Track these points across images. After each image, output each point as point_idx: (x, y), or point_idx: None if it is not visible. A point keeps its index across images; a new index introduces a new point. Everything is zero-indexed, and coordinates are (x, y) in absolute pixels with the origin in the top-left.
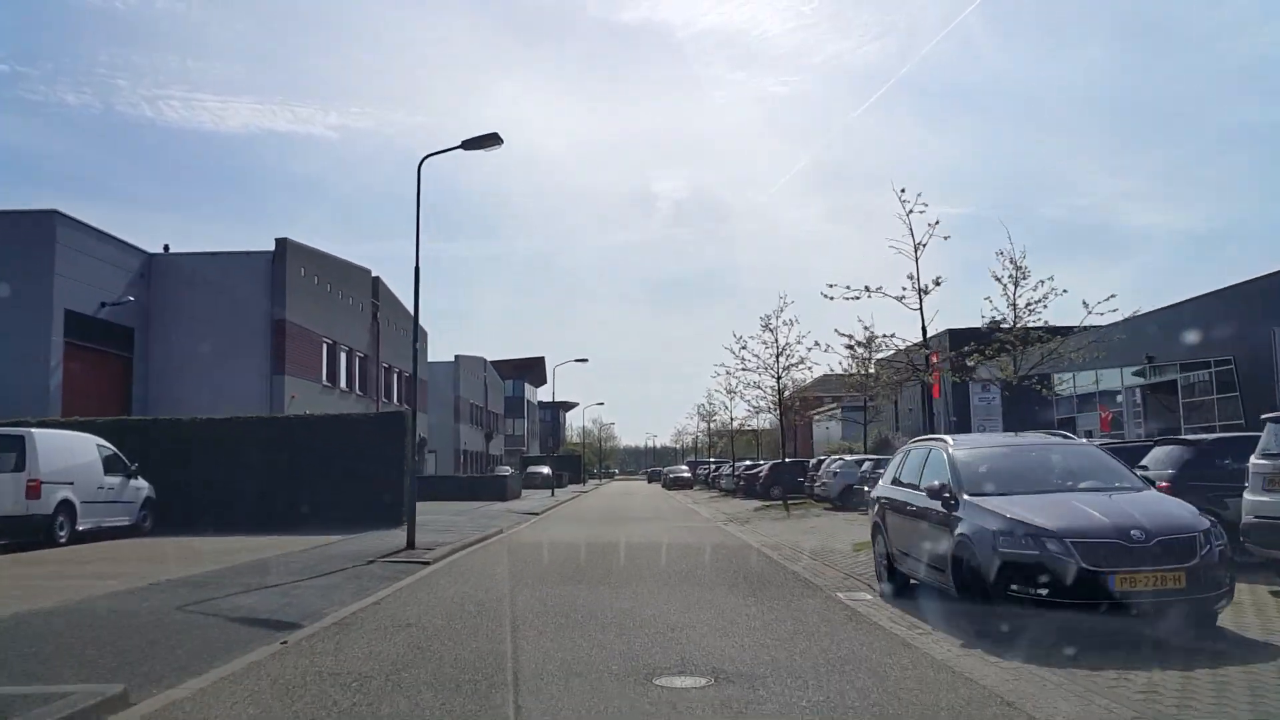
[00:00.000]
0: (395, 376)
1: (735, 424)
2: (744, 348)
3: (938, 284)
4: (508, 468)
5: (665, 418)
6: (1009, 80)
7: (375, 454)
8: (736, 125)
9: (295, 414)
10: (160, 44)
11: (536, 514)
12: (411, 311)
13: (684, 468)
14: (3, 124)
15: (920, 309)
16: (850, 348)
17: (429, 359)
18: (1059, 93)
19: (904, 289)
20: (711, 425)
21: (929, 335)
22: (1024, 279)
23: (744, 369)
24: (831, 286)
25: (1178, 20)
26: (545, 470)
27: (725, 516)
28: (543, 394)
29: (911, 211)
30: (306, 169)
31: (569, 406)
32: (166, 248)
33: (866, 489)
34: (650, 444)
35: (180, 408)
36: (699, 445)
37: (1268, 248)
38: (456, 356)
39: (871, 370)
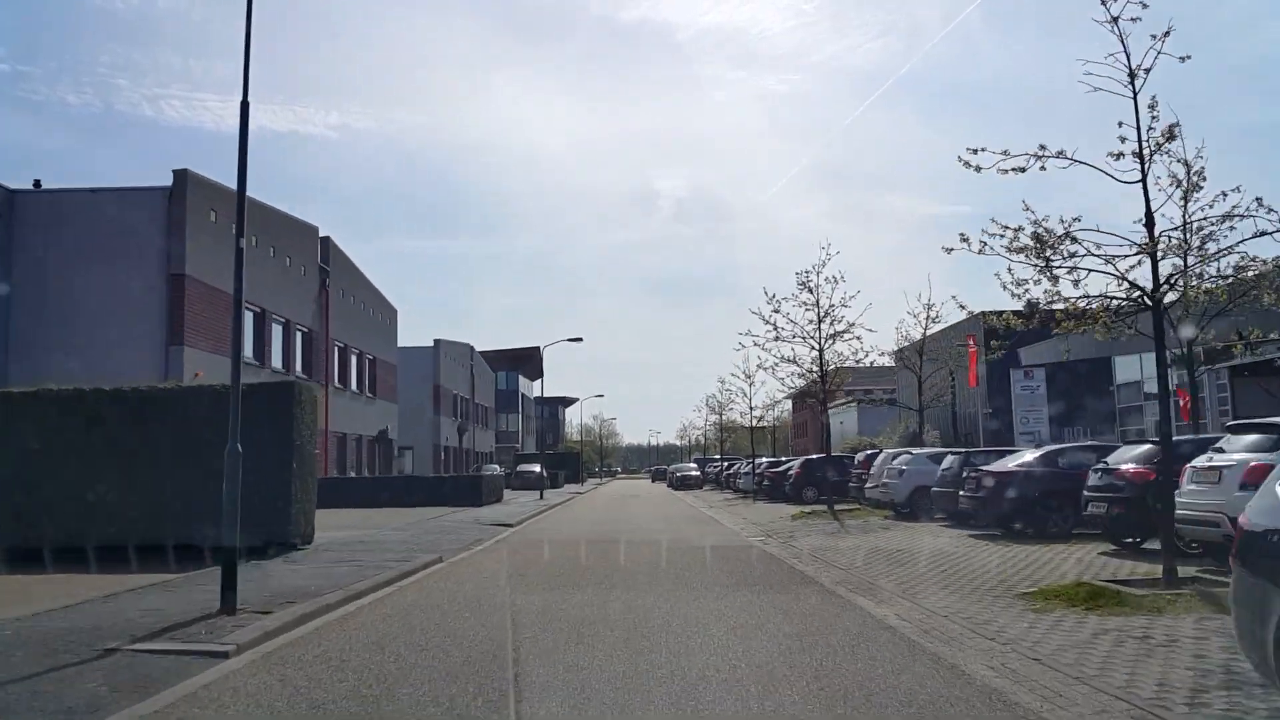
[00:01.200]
0: (356, 359)
1: (755, 413)
2: (777, 310)
3: (1171, 138)
4: (496, 466)
5: (668, 415)
6: (1009, 78)
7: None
8: (737, 124)
9: (133, 387)
10: (161, 43)
11: (510, 526)
12: (378, 288)
13: (691, 465)
14: (4, 122)
15: (1143, 180)
16: (1025, 246)
17: (399, 342)
18: (1059, 91)
19: (1115, 153)
20: (724, 417)
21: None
22: (1199, 189)
23: (777, 338)
24: (976, 153)
25: (1179, 20)
26: (536, 469)
27: (757, 528)
28: (542, 388)
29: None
30: (307, 168)
31: (568, 402)
32: (37, 183)
33: (963, 493)
34: (653, 441)
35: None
36: (708, 441)
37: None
38: (437, 341)
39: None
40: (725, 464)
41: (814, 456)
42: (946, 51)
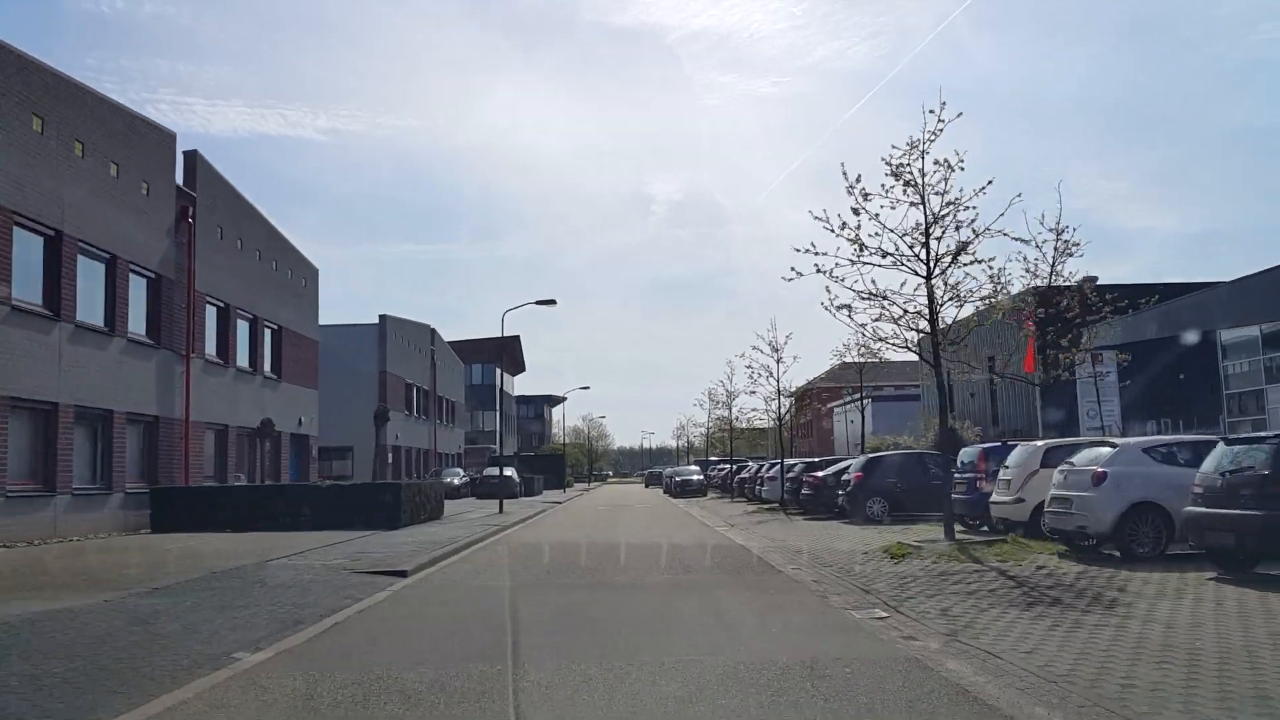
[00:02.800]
0: (250, 326)
1: (786, 392)
2: (861, 207)
3: None
4: (459, 471)
5: (661, 419)
6: (1001, 81)
7: None
8: (730, 127)
9: None
10: (149, 47)
11: (403, 576)
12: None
13: (693, 469)
14: None
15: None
16: None
17: (331, 318)
18: (1051, 94)
19: None
20: (734, 411)
21: None
22: None
23: (858, 257)
24: None
25: (1172, 21)
26: (509, 473)
27: (853, 586)
28: (513, 384)
29: None
30: (298, 172)
31: (555, 401)
32: None
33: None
34: (646, 444)
35: None
36: (710, 441)
37: (1263, 249)
38: (384, 318)
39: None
40: (733, 467)
41: (883, 454)
42: (937, 54)
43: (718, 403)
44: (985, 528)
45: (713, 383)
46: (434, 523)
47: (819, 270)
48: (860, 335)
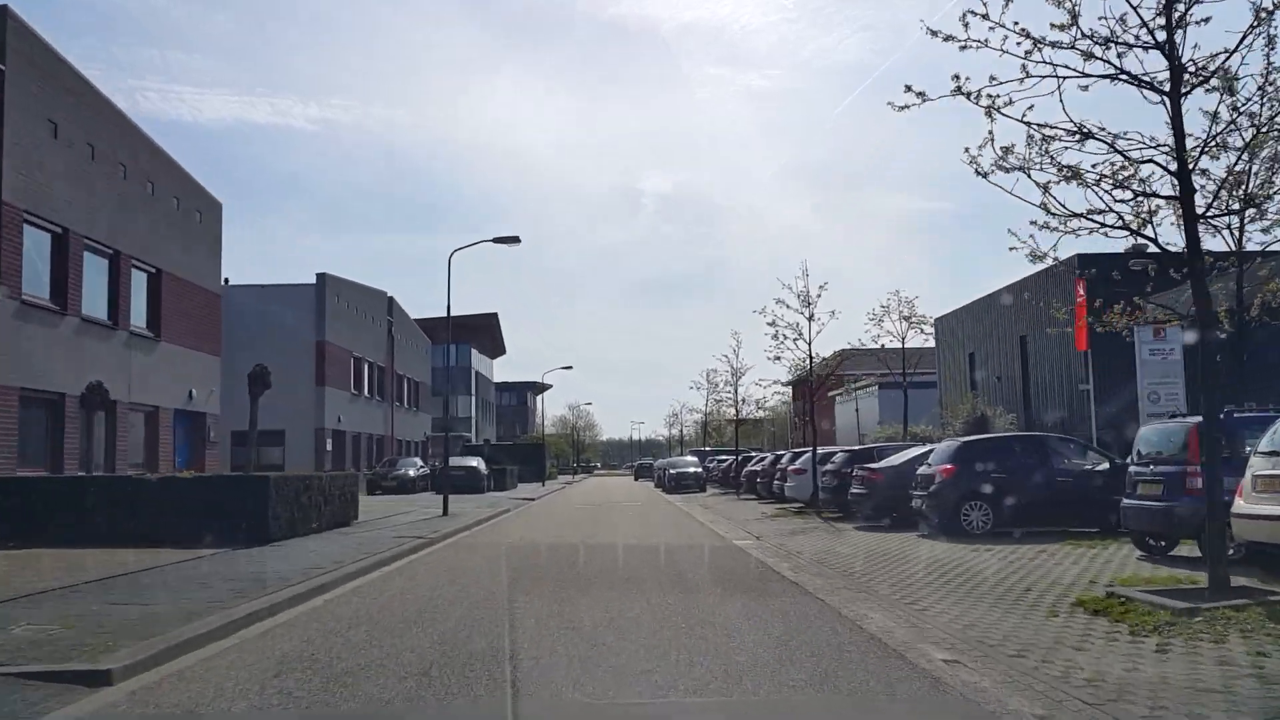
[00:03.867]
0: (109, 264)
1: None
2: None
3: None
4: (417, 461)
5: (652, 411)
6: (992, 74)
7: None
8: (722, 121)
9: None
10: (137, 35)
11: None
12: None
13: (690, 460)
14: None
15: None
16: None
17: (252, 276)
18: (1041, 88)
19: None
20: (740, 391)
21: None
22: None
23: None
24: None
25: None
26: (474, 464)
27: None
28: (489, 368)
29: None
30: (287, 162)
31: (540, 388)
32: None
33: None
34: (635, 435)
35: None
36: (707, 430)
37: None
38: (323, 277)
39: None
40: (738, 458)
41: (984, 437)
42: (928, 47)
43: (717, 385)
44: (1230, 552)
45: (714, 361)
46: (336, 532)
47: (961, 92)
48: (1041, 220)
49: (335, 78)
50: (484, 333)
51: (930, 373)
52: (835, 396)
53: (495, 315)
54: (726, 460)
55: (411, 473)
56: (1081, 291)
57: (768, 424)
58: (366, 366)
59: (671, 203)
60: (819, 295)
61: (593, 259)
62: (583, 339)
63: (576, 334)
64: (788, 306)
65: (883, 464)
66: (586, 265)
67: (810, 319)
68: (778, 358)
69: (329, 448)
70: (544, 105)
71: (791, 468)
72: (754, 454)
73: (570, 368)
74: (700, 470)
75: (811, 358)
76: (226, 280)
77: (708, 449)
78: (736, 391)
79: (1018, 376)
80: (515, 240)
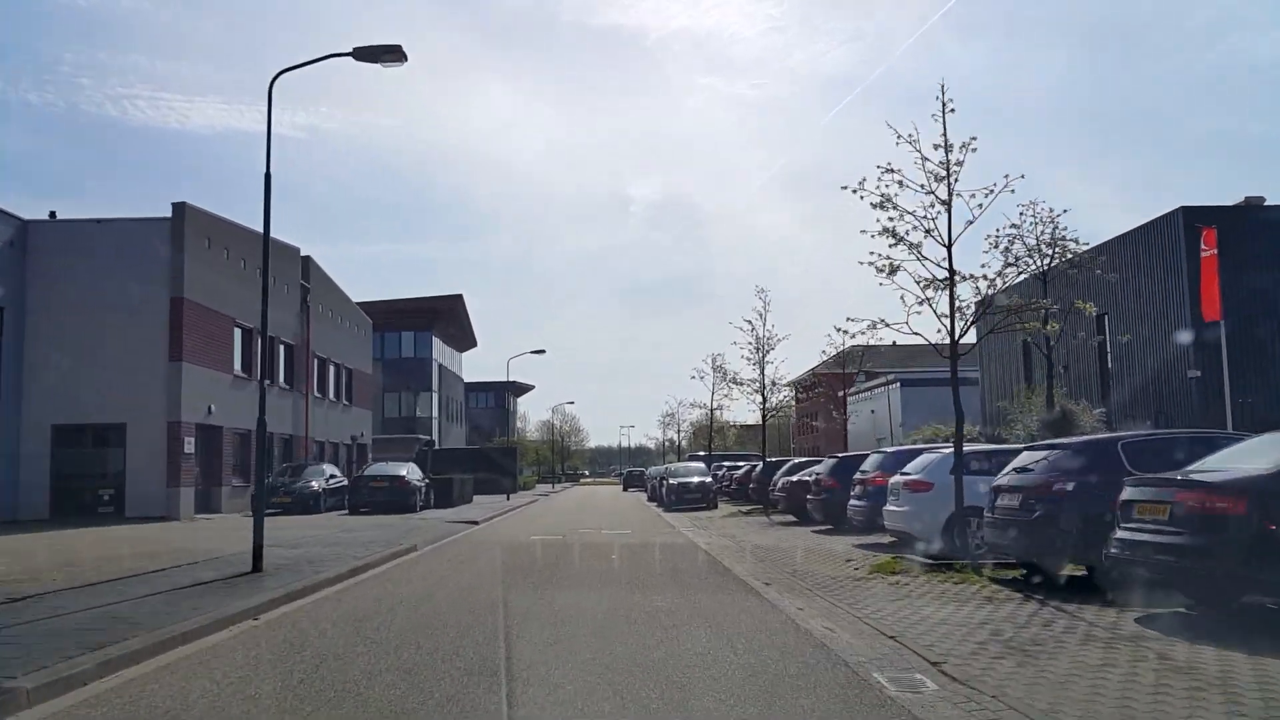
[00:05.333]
0: None
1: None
2: None
3: None
4: (328, 470)
5: (640, 416)
6: (978, 85)
7: None
8: (710, 129)
9: None
10: (125, 42)
11: None
12: None
13: (696, 466)
14: None
15: None
16: None
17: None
18: (1027, 99)
19: None
20: (768, 372)
21: None
22: None
23: None
24: None
25: (1145, 29)
26: (401, 472)
27: None
28: (456, 360)
29: None
30: (275, 169)
31: (521, 389)
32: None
33: None
34: (625, 440)
35: None
36: (710, 432)
37: None
38: (180, 207)
39: None
40: (757, 466)
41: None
42: (915, 57)
43: (725, 374)
44: None
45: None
46: None
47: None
48: None
49: (321, 84)
50: (447, 319)
51: (969, 370)
52: (849, 394)
53: (460, 298)
54: (741, 468)
55: (316, 485)
56: (1211, 244)
57: (780, 427)
58: (260, 341)
59: (660, 209)
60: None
61: (580, 264)
62: (568, 344)
63: (562, 339)
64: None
65: (1238, 476)
66: (573, 270)
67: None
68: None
69: (190, 449)
70: (532, 112)
71: (905, 479)
72: (782, 460)
73: (542, 351)
74: (708, 480)
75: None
76: (53, 214)
77: (705, 454)
78: (763, 372)
79: (1094, 360)
80: (396, 54)
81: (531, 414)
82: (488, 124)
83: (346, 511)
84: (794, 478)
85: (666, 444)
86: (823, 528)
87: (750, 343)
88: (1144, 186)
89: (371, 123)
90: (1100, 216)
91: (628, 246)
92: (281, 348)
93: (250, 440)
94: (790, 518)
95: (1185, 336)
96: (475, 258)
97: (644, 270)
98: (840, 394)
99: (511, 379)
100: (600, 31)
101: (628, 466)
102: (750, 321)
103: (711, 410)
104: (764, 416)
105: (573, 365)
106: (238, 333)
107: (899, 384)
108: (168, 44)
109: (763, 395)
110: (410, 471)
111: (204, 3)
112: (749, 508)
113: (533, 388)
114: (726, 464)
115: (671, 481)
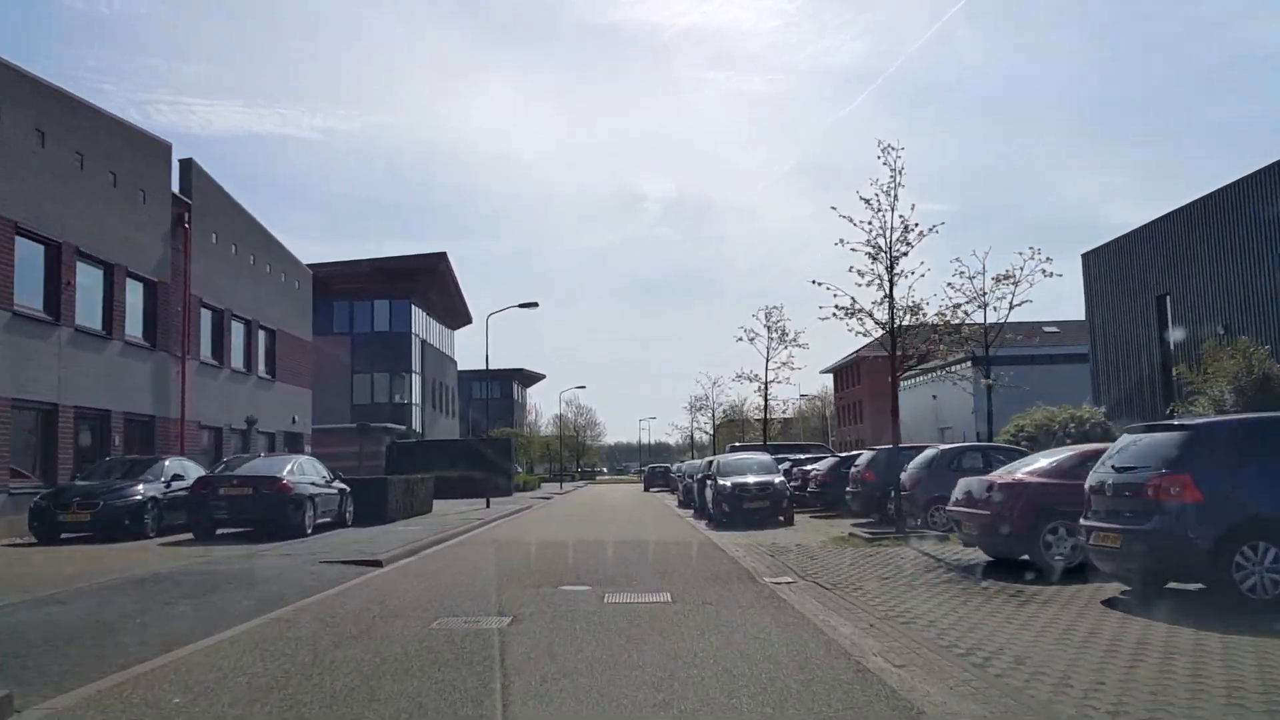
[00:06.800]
0: None
1: None
2: None
3: None
4: (176, 467)
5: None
6: (991, 78)
7: None
8: (721, 125)
9: None
10: (146, 48)
11: None
12: None
13: (760, 460)
14: None
15: None
16: None
17: None
18: (1040, 91)
19: None
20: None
21: None
22: None
23: None
24: None
25: (1156, 18)
26: (280, 474)
27: None
28: (443, 338)
29: None
30: (293, 171)
31: (530, 379)
32: None
33: None
34: (644, 435)
35: None
36: (768, 406)
37: None
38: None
39: None
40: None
41: None
42: (927, 51)
43: (785, 335)
44: None
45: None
46: None
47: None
48: None
49: (335, 86)
50: (429, 284)
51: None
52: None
53: (443, 256)
54: (824, 461)
55: (143, 492)
56: None
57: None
58: (83, 267)
59: (671, 205)
60: None
61: (587, 262)
62: (576, 342)
63: (571, 337)
64: None
65: None
66: (585, 267)
67: None
68: None
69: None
70: (541, 109)
71: None
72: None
73: (535, 304)
74: (778, 480)
75: None
76: None
77: (758, 445)
78: (893, 296)
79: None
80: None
81: (544, 408)
82: (497, 122)
83: (191, 536)
84: (1021, 477)
85: (685, 441)
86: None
87: (871, 235)
88: (1163, 176)
89: (385, 123)
90: (1109, 206)
91: (639, 243)
92: (134, 284)
93: (56, 419)
94: (973, 556)
95: None
96: (479, 256)
97: (655, 267)
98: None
99: (519, 366)
100: (608, 28)
101: (649, 463)
102: (873, 200)
103: (766, 384)
104: (894, 360)
105: (582, 364)
106: (25, 246)
107: (970, 363)
108: (187, 48)
109: (892, 321)
110: (299, 470)
111: (220, 7)
112: (857, 521)
113: (543, 377)
114: (789, 458)
115: (724, 483)
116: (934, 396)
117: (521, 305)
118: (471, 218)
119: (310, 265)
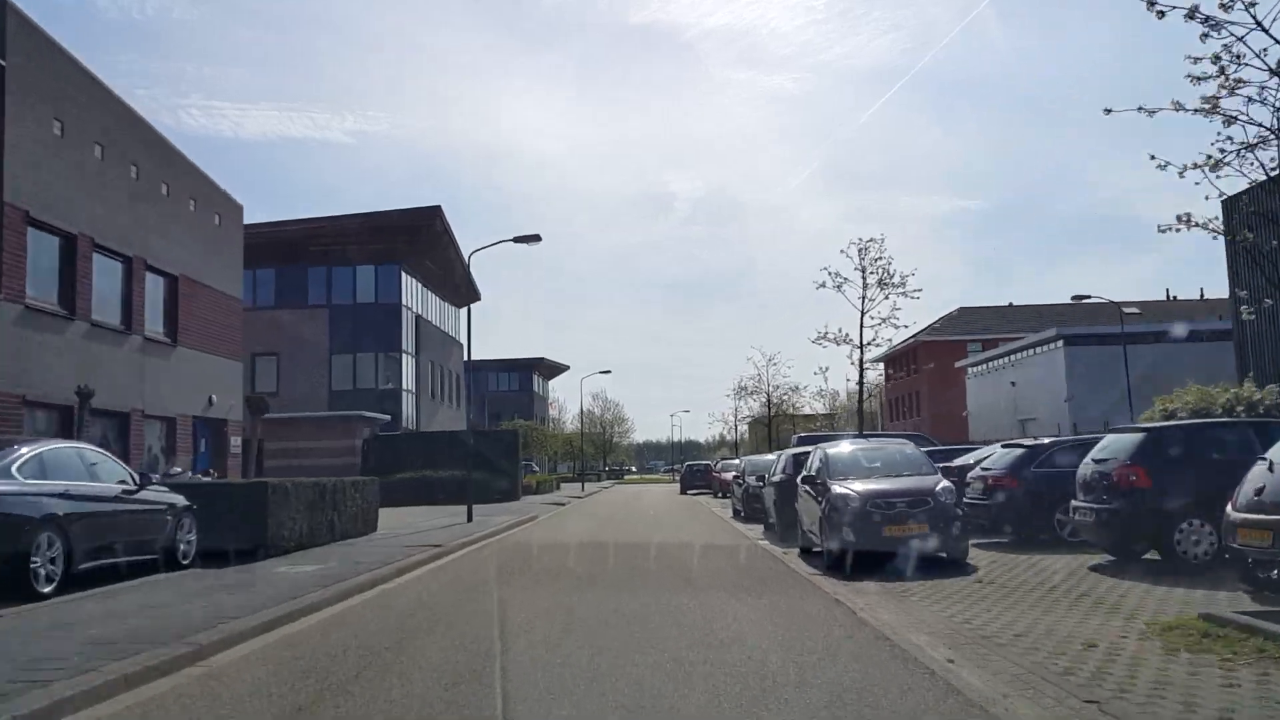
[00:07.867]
0: None
1: None
2: None
3: None
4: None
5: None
6: (1022, 74)
7: None
8: (749, 124)
9: None
10: (178, 53)
11: None
12: None
13: (905, 453)
14: None
15: None
16: None
17: None
18: (1072, 86)
19: None
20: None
21: None
22: None
23: None
24: None
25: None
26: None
27: None
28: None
29: None
30: (324, 174)
31: (552, 370)
32: None
33: None
34: (676, 431)
35: None
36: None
37: None
38: None
39: None
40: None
41: None
42: (958, 47)
43: (890, 277)
44: None
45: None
46: None
47: None
48: None
49: (366, 89)
50: (422, 245)
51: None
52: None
53: (437, 210)
54: (991, 455)
55: None
56: None
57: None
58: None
59: (700, 205)
60: None
61: (619, 262)
62: (605, 339)
63: (602, 337)
64: None
65: None
66: (613, 268)
67: None
68: None
69: None
70: (570, 110)
71: None
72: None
73: (538, 238)
74: (943, 488)
75: None
76: None
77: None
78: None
79: None
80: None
81: (569, 404)
82: (526, 123)
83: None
84: None
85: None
86: None
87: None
88: (1193, 173)
89: (415, 125)
90: (1147, 201)
91: (668, 244)
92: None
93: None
94: None
95: None
96: (506, 256)
97: (684, 268)
98: (959, 364)
99: (540, 355)
100: (636, 29)
101: (682, 459)
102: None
103: (861, 347)
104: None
105: (612, 364)
106: None
107: (1061, 342)
108: (218, 53)
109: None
110: (31, 470)
111: (251, 12)
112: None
113: (566, 368)
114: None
115: (843, 491)
116: (1012, 383)
117: (517, 239)
118: (501, 218)
119: (280, 223)
